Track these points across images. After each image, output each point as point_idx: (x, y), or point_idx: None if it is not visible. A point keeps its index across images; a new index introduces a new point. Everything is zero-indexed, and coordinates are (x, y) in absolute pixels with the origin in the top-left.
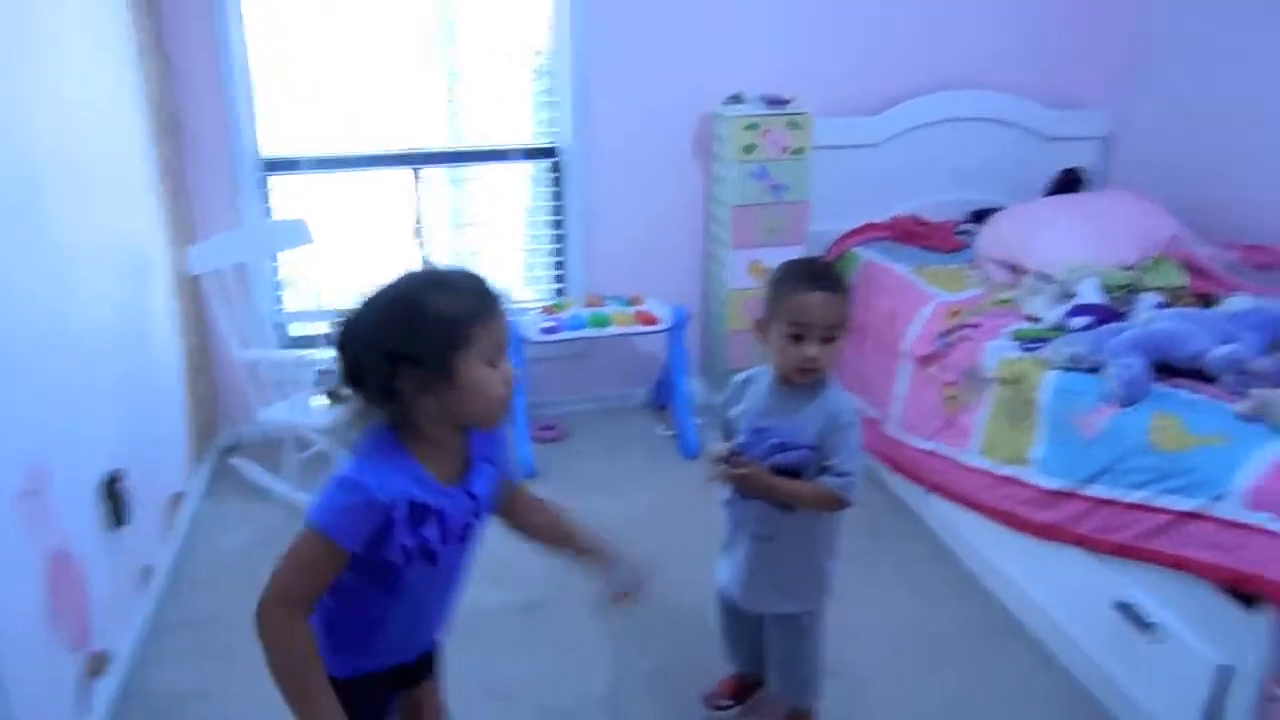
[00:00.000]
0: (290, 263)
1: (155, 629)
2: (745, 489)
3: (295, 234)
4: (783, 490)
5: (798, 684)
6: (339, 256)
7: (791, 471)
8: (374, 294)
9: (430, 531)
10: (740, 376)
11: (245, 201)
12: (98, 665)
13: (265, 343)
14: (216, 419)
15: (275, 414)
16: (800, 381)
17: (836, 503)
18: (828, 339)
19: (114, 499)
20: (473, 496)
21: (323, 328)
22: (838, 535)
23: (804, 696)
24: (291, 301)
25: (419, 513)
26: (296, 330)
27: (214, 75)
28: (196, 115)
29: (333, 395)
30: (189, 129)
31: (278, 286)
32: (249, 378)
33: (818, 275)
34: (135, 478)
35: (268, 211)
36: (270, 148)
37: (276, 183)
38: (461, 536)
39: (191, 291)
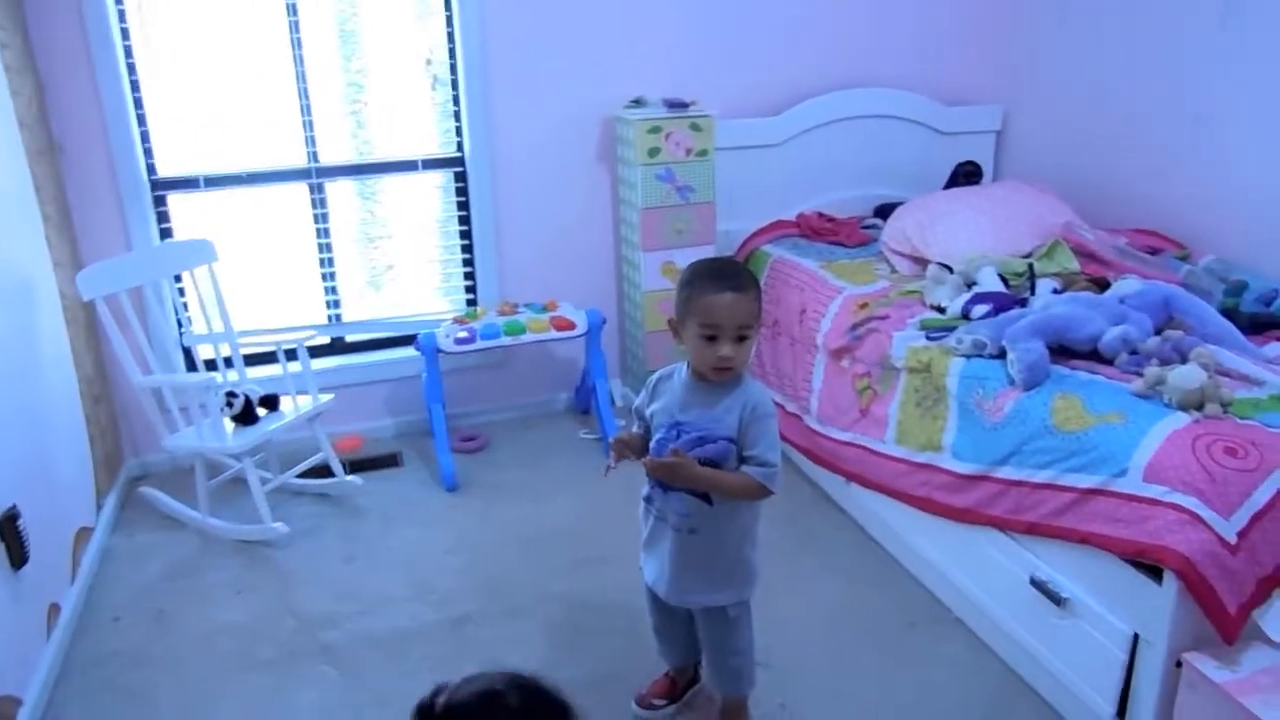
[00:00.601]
0: (194, 284)
1: (65, 670)
2: (671, 480)
3: (198, 253)
4: (708, 480)
5: (731, 674)
6: (245, 276)
7: (712, 464)
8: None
9: None
10: (657, 374)
11: (136, 222)
12: (6, 711)
13: (170, 367)
14: (121, 449)
15: (183, 440)
16: (716, 380)
17: (761, 491)
18: (741, 337)
19: (11, 538)
20: None
21: (226, 350)
22: (758, 526)
23: (739, 686)
24: (197, 323)
25: None
26: (205, 352)
27: (92, 94)
28: (77, 136)
29: None
30: (69, 150)
31: (182, 309)
32: (152, 405)
33: (726, 275)
34: (35, 514)
35: (167, 232)
36: (168, 166)
37: (176, 202)
38: None
39: (85, 318)
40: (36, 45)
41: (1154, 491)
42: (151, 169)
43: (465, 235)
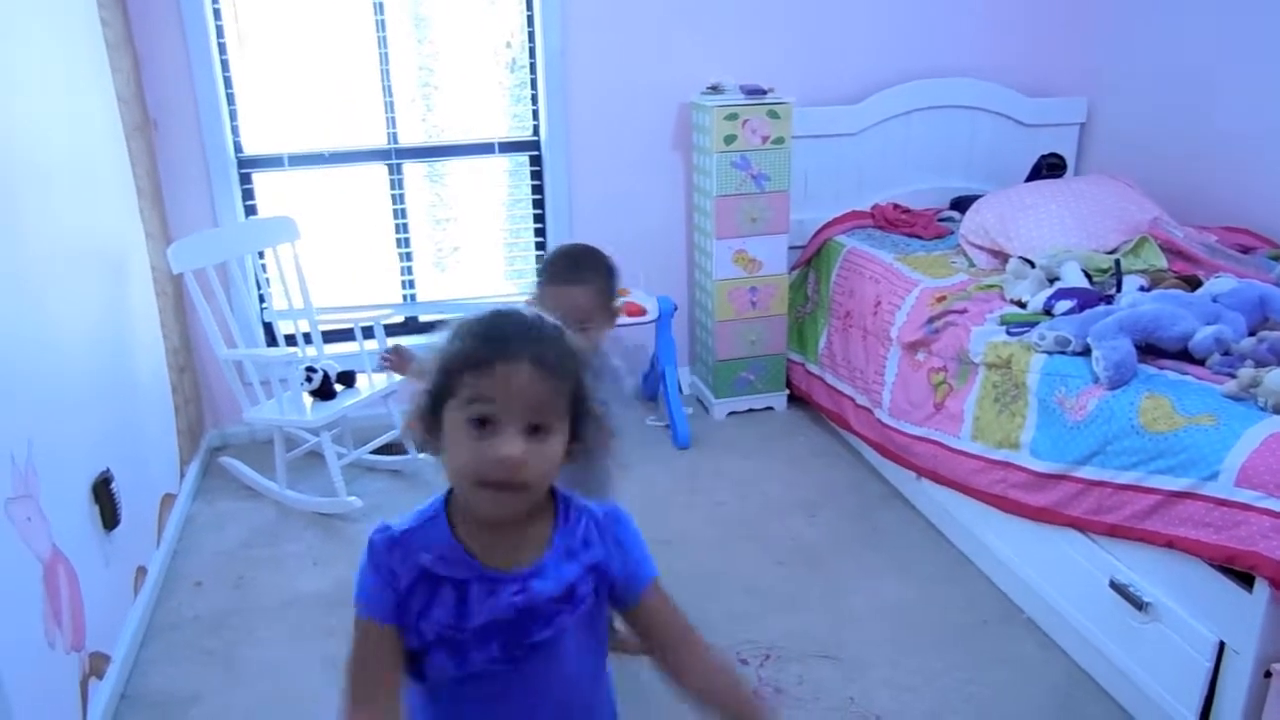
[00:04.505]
0: (276, 260)
1: (150, 631)
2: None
3: (281, 231)
4: None
5: None
6: (323, 253)
7: None
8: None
9: (440, 613)
10: None
11: (223, 198)
12: (96, 667)
13: (252, 341)
14: (203, 419)
15: (263, 413)
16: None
17: None
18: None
19: (105, 501)
20: (525, 591)
21: (305, 326)
22: None
23: None
24: (278, 299)
25: (429, 587)
26: (284, 328)
27: (185, 71)
28: (170, 111)
29: None
30: (163, 125)
31: (264, 284)
32: (235, 377)
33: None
34: (125, 479)
35: (251, 209)
36: (254, 145)
37: (261, 179)
38: (517, 640)
39: (172, 290)
40: (135, 22)
41: (1247, 496)
42: (239, 147)
43: (538, 219)
